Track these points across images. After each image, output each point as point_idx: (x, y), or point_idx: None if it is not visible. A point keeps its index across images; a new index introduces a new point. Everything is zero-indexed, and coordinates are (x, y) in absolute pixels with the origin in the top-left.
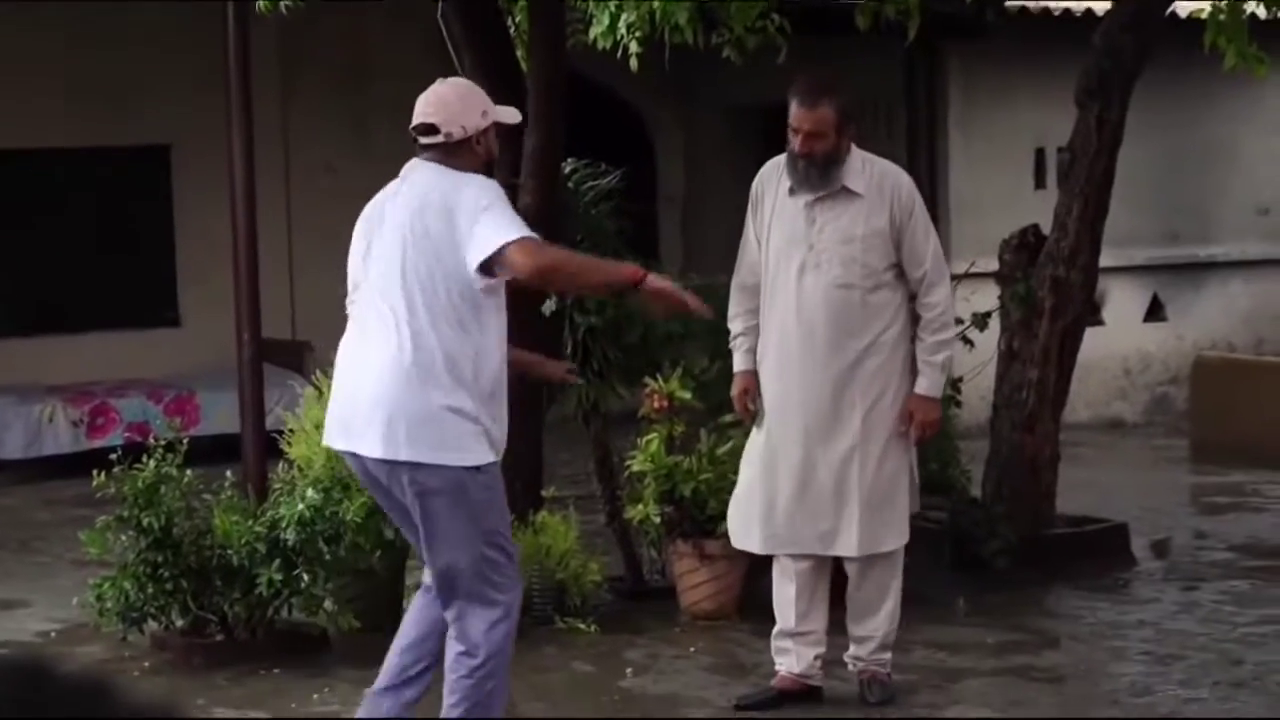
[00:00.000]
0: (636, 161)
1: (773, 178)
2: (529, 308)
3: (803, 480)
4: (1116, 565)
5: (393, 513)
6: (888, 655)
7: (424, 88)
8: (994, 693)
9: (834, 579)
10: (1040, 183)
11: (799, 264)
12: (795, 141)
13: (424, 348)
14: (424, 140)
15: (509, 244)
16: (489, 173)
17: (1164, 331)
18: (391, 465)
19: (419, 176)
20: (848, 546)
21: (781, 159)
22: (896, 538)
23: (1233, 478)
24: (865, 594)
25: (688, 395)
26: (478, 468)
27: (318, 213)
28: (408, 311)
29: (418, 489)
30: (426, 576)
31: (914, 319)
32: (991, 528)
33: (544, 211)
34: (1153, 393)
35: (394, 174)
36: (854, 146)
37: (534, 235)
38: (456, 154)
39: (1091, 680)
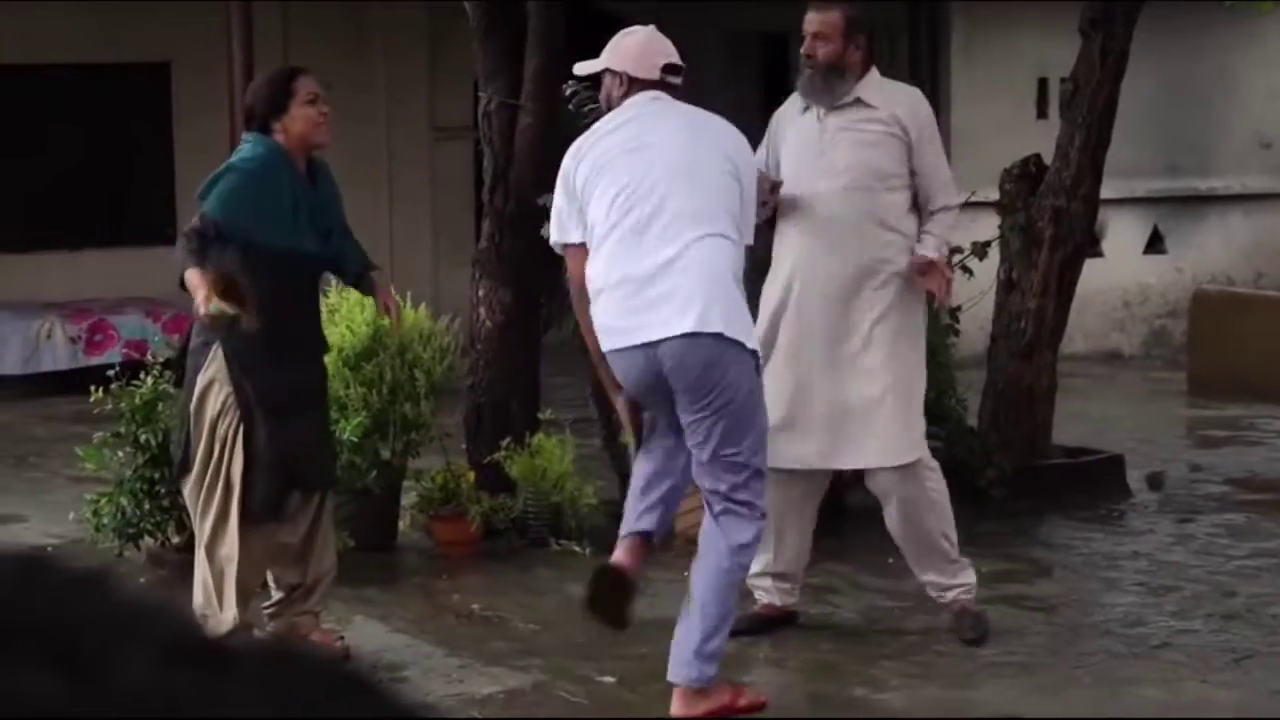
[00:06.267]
0: None
1: (790, 106)
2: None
3: (808, 392)
4: (1111, 496)
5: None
6: (959, 582)
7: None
8: None
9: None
10: (1042, 112)
11: (810, 171)
12: (804, 46)
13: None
14: (673, 79)
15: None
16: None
17: (1163, 264)
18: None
19: (684, 111)
20: (852, 459)
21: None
22: (902, 453)
23: (1229, 411)
24: (896, 526)
25: None
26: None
27: None
28: (721, 221)
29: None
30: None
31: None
32: (987, 457)
33: (543, 133)
34: (1151, 325)
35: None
36: (874, 69)
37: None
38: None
39: (1084, 610)
